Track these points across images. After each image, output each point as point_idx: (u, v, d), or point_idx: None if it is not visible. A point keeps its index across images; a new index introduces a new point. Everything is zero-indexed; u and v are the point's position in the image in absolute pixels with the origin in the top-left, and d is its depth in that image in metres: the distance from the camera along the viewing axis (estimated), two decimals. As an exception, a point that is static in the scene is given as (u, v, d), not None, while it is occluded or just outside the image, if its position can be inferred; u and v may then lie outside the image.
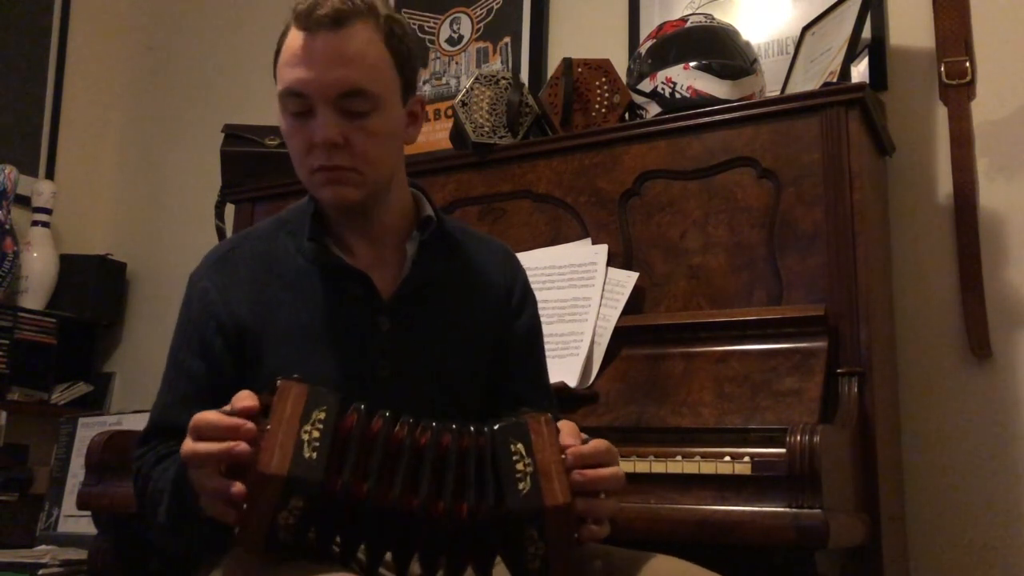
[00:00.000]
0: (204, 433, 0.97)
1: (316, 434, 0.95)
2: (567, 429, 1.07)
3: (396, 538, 1.01)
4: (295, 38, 1.18)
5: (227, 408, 1.00)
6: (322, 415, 0.96)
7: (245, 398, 0.99)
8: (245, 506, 0.93)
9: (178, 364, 1.24)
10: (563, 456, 1.02)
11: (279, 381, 0.98)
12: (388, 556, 1.04)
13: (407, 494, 0.98)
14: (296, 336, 1.21)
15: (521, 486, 0.98)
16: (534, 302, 1.39)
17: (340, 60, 1.16)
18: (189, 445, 0.98)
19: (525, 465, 0.99)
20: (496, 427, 1.01)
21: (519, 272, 1.39)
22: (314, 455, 0.94)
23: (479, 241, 1.37)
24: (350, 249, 1.26)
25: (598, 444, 1.06)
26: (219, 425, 0.96)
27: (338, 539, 1.01)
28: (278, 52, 1.21)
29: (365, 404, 1.01)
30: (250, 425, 0.96)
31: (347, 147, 1.17)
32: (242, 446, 0.94)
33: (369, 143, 1.18)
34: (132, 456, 1.24)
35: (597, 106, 2.07)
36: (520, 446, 1.00)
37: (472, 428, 1.02)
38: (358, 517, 0.98)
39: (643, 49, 2.05)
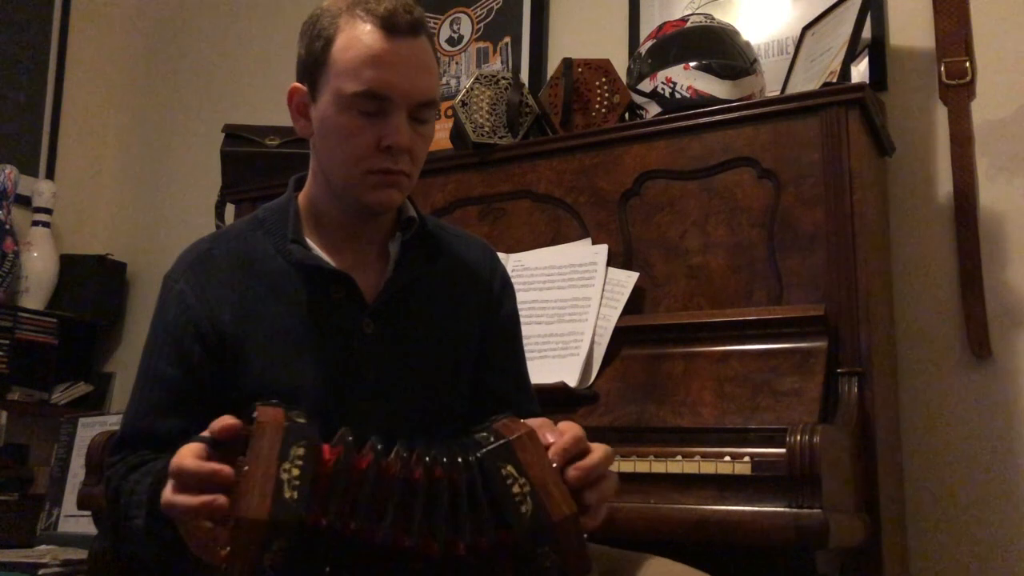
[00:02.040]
0: (183, 481, 0.94)
1: (296, 472, 0.91)
2: (536, 424, 1.04)
3: (387, 571, 0.98)
4: (375, 38, 1.14)
5: (206, 434, 0.97)
6: (301, 451, 0.92)
7: (226, 420, 0.96)
8: (229, 549, 0.89)
9: (151, 370, 1.20)
10: (552, 463, 0.99)
11: (257, 409, 0.94)
12: None
13: (398, 532, 0.95)
14: (279, 340, 1.18)
15: (523, 509, 0.95)
16: (513, 295, 1.38)
17: (425, 69, 1.17)
18: (169, 495, 0.95)
19: (521, 486, 0.96)
20: (480, 454, 0.98)
21: (498, 265, 1.38)
22: (295, 495, 0.90)
23: (458, 238, 1.36)
24: (332, 251, 1.24)
25: (573, 433, 1.03)
26: (198, 473, 0.94)
27: (327, 571, 0.98)
28: (328, 43, 1.16)
29: (353, 435, 0.98)
30: (227, 471, 0.93)
31: (409, 153, 1.18)
32: (220, 500, 0.92)
33: (423, 150, 1.21)
34: (104, 464, 1.22)
35: (597, 106, 2.07)
36: (510, 468, 0.97)
37: (459, 458, 0.98)
38: (346, 551, 0.96)
39: (643, 49, 2.05)
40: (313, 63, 1.18)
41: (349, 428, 0.99)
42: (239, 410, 1.01)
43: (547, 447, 1.01)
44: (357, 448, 0.97)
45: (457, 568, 0.97)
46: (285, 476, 0.91)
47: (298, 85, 1.22)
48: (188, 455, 0.95)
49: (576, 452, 1.02)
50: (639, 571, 1.09)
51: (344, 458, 0.96)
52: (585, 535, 0.99)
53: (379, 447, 0.98)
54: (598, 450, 1.03)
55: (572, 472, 1.00)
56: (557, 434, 1.04)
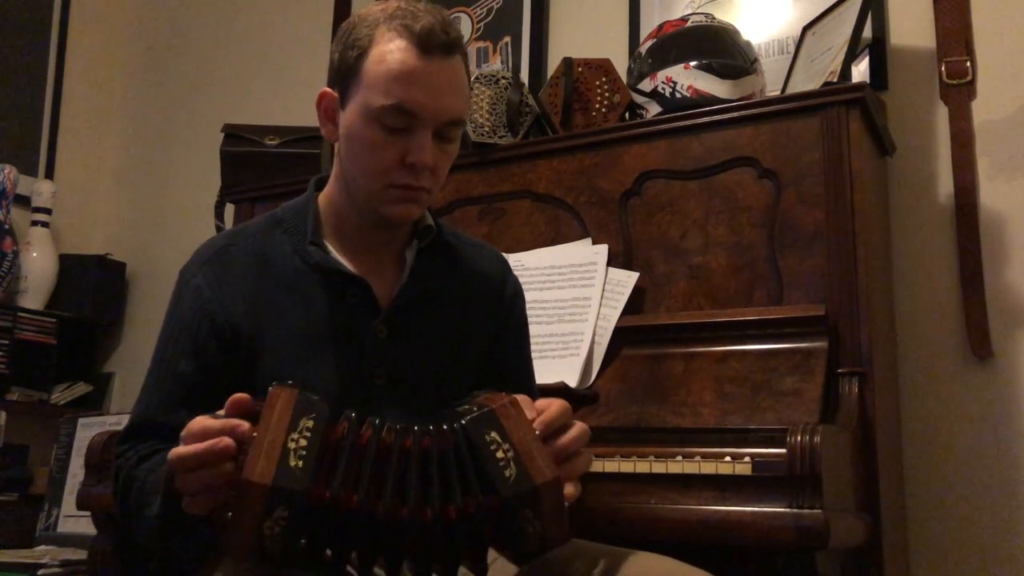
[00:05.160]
0: (193, 437, 0.95)
1: (303, 442, 0.93)
2: (521, 402, 1.06)
3: (387, 545, 0.99)
4: (409, 55, 1.15)
5: (220, 412, 0.98)
6: (310, 423, 0.94)
7: (237, 396, 0.98)
8: (231, 513, 0.91)
9: (165, 363, 1.21)
10: (536, 431, 1.02)
11: (273, 387, 0.96)
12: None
13: (396, 503, 0.97)
14: (293, 340, 1.19)
15: (507, 473, 0.97)
16: (523, 307, 1.41)
17: (455, 89, 1.18)
18: (176, 450, 0.96)
19: (505, 452, 0.98)
20: (464, 421, 1.00)
21: (510, 276, 1.40)
22: (300, 464, 0.92)
23: (473, 248, 1.37)
24: (349, 255, 1.25)
25: (556, 408, 1.06)
26: (211, 428, 0.95)
27: (329, 547, 1.00)
28: (362, 54, 1.17)
29: (356, 412, 1.00)
30: (245, 425, 0.95)
31: (432, 170, 1.18)
32: (226, 441, 0.93)
33: (446, 167, 1.22)
34: (113, 454, 1.22)
35: (597, 106, 2.06)
36: (494, 434, 0.99)
37: (444, 427, 1.01)
38: (348, 525, 0.97)
39: (643, 49, 2.05)
40: (346, 71, 1.19)
41: (352, 409, 1.01)
42: None
43: (532, 420, 1.04)
44: (359, 425, 0.99)
45: (445, 533, 0.99)
46: (292, 445, 0.93)
47: (328, 90, 1.23)
48: (197, 420, 0.97)
49: (559, 425, 1.05)
50: (634, 567, 1.10)
51: (349, 433, 0.98)
52: (566, 503, 1.01)
53: (376, 422, 1.00)
54: (574, 428, 1.06)
55: (552, 445, 1.02)
56: (532, 410, 1.06)
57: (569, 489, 1.03)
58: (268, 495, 0.90)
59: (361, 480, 0.97)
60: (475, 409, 1.02)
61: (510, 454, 0.98)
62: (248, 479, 0.90)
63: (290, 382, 0.99)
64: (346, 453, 0.97)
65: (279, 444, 0.92)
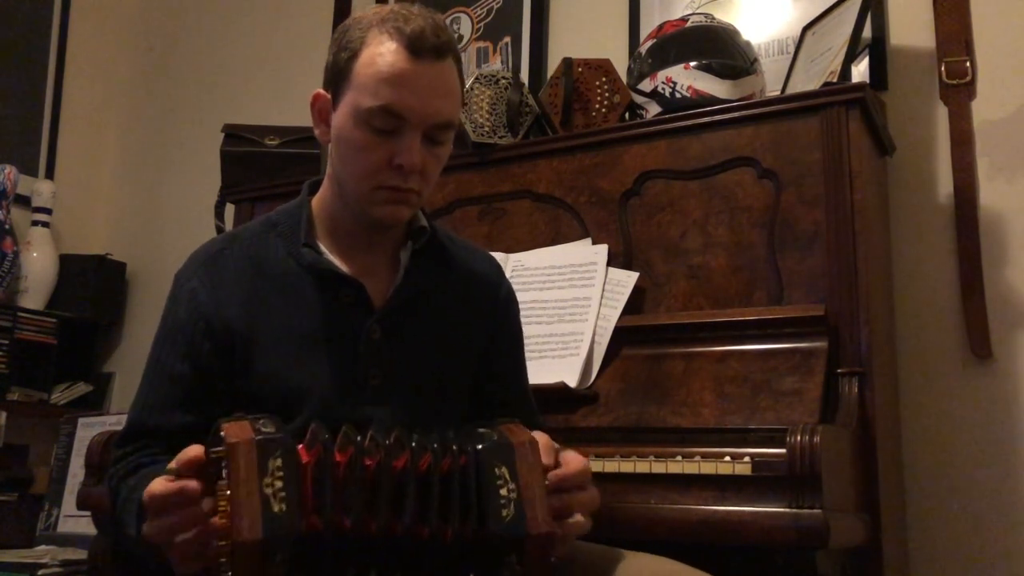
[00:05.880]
0: (154, 507, 0.97)
1: (279, 484, 0.92)
2: (541, 443, 1.07)
3: (381, 562, 0.99)
4: (399, 57, 1.15)
5: (172, 465, 0.98)
6: (279, 462, 0.93)
7: (190, 452, 0.98)
8: (230, 573, 0.90)
9: (160, 365, 1.21)
10: (545, 480, 1.02)
11: (223, 430, 0.94)
12: None
13: (391, 520, 0.97)
14: (287, 341, 1.19)
15: (504, 512, 0.97)
16: (517, 310, 1.41)
17: (444, 92, 1.18)
18: (146, 527, 0.99)
19: (509, 491, 0.98)
20: (480, 448, 1.00)
21: (504, 279, 1.41)
22: (283, 507, 0.91)
23: (467, 251, 1.38)
24: (343, 256, 1.25)
25: (576, 466, 1.07)
26: (164, 494, 0.96)
27: (327, 567, 0.99)
28: (353, 56, 1.17)
29: (328, 430, 0.99)
30: (192, 485, 0.95)
31: (421, 172, 1.18)
32: (194, 512, 0.95)
33: (436, 169, 1.22)
34: (111, 457, 1.22)
35: (597, 106, 2.06)
36: (504, 470, 0.99)
37: (455, 447, 1.00)
38: (344, 546, 0.97)
39: (643, 49, 2.05)
40: (338, 73, 1.20)
41: (321, 424, 1.00)
42: (247, 406, 1.02)
43: (547, 468, 1.04)
44: (332, 444, 0.98)
45: (437, 552, 0.99)
46: (269, 491, 0.91)
47: (322, 92, 1.23)
48: (155, 483, 0.97)
49: (573, 484, 1.06)
50: (634, 568, 1.10)
51: (324, 457, 0.96)
52: (552, 559, 1.00)
53: (357, 438, 0.98)
54: (586, 492, 1.08)
55: (556, 501, 1.03)
56: (554, 457, 1.06)
57: (559, 549, 1.03)
58: (262, 549, 0.89)
59: (350, 502, 0.96)
60: (495, 437, 1.01)
61: (513, 495, 0.98)
62: (238, 540, 0.89)
63: (238, 414, 0.97)
64: (327, 478, 0.96)
65: (256, 494, 0.90)
